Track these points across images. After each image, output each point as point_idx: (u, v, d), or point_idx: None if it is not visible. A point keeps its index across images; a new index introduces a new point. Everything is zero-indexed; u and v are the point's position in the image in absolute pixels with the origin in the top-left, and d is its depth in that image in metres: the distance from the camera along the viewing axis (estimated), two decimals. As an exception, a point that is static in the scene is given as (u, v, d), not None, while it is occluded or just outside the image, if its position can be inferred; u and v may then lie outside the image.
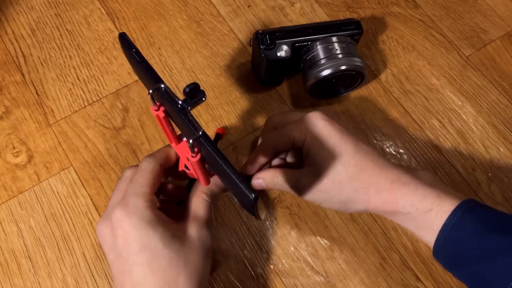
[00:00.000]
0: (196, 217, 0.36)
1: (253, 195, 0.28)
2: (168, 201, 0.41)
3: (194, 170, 0.36)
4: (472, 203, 0.34)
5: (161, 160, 0.37)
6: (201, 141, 0.31)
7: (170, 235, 0.34)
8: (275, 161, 0.44)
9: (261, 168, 0.43)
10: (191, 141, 0.31)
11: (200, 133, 0.30)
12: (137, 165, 0.37)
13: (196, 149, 0.34)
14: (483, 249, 0.32)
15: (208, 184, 0.39)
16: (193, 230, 0.35)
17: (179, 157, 0.38)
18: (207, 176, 0.38)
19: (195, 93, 0.30)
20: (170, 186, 0.41)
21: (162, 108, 0.33)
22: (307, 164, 0.39)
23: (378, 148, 0.50)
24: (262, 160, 0.42)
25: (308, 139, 0.39)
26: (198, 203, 0.37)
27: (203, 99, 0.30)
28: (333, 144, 0.38)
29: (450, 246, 0.34)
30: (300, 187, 0.39)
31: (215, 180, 0.38)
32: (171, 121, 0.35)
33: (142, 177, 0.35)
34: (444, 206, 0.34)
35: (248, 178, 0.45)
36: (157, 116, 0.33)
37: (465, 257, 0.33)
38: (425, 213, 0.35)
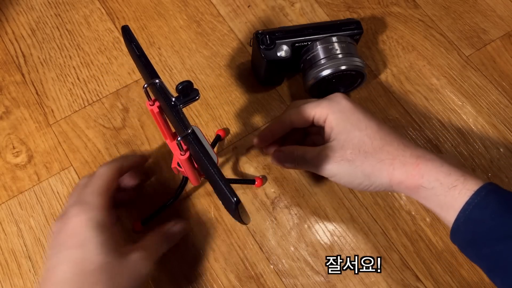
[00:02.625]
0: (144, 246, 0.37)
1: (235, 199, 0.28)
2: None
3: (184, 168, 0.37)
4: (496, 186, 0.34)
5: (116, 169, 0.39)
6: (189, 139, 0.31)
7: (111, 245, 0.34)
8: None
9: (274, 140, 0.44)
10: (179, 138, 0.31)
11: (189, 131, 0.30)
12: (91, 174, 0.39)
13: (185, 147, 0.34)
14: (505, 230, 0.32)
15: (198, 184, 0.39)
16: (135, 253, 0.35)
17: (173, 154, 0.39)
18: (197, 175, 0.39)
19: (188, 91, 0.30)
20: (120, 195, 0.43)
21: (157, 104, 0.33)
22: (329, 139, 0.40)
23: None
24: (277, 131, 0.43)
25: (331, 115, 0.39)
26: (152, 236, 0.39)
27: (196, 98, 0.30)
28: (357, 118, 0.38)
29: (470, 225, 0.34)
30: (322, 158, 0.39)
31: (176, 227, 0.41)
32: (166, 117, 0.35)
33: (99, 180, 0.37)
34: (468, 185, 0.34)
35: (231, 182, 0.46)
36: (152, 111, 0.34)
37: (485, 237, 0.33)
38: (449, 189, 0.34)
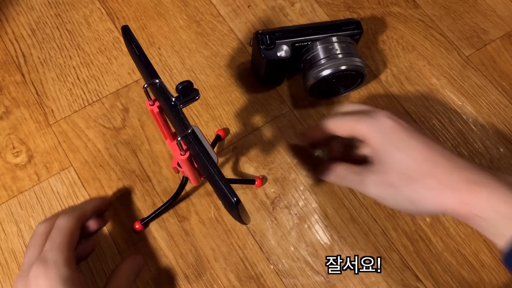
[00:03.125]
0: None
1: (235, 199, 0.28)
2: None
3: (184, 168, 0.37)
4: None
5: (78, 218, 0.38)
6: (189, 139, 0.31)
7: None
8: (334, 145, 0.44)
9: (311, 141, 0.44)
10: (179, 138, 0.31)
11: (189, 131, 0.30)
12: (49, 219, 0.37)
13: (185, 147, 0.34)
14: None
15: (198, 184, 0.39)
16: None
17: (173, 154, 0.39)
18: (197, 175, 0.39)
19: (188, 91, 0.30)
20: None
21: (157, 104, 0.33)
22: (372, 161, 0.38)
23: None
24: (318, 134, 0.42)
25: (371, 135, 0.37)
26: (119, 281, 0.38)
27: (196, 98, 0.30)
28: (400, 138, 0.36)
29: None
30: (366, 181, 0.37)
31: (137, 261, 0.40)
32: (166, 117, 0.35)
33: (60, 235, 0.36)
34: None
35: (231, 182, 0.46)
36: (152, 111, 0.34)
37: None
38: (506, 218, 0.31)
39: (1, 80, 0.51)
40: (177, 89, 0.29)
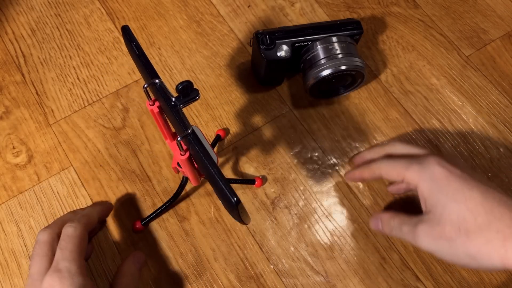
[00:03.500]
0: None
1: (235, 199, 0.28)
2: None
3: (184, 168, 0.37)
4: None
5: (85, 225, 0.38)
6: (189, 139, 0.31)
7: None
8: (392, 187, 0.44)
9: (360, 181, 0.44)
10: (179, 138, 0.31)
11: (189, 131, 0.30)
12: (50, 227, 0.37)
13: (185, 147, 0.34)
14: None
15: (198, 184, 0.39)
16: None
17: (174, 154, 0.39)
18: (197, 175, 0.39)
19: (188, 91, 0.30)
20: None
21: (156, 104, 0.33)
22: (424, 210, 0.36)
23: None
24: (367, 177, 0.41)
25: (422, 183, 0.35)
26: (127, 281, 0.38)
27: (196, 98, 0.30)
28: (455, 189, 0.34)
29: None
30: (418, 233, 0.35)
31: (136, 257, 0.40)
32: (166, 117, 0.35)
33: (71, 243, 0.35)
34: None
35: (231, 182, 0.46)
36: (152, 111, 0.34)
37: None
38: None
39: (1, 80, 0.51)
40: (177, 89, 0.29)
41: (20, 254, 0.44)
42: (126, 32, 0.33)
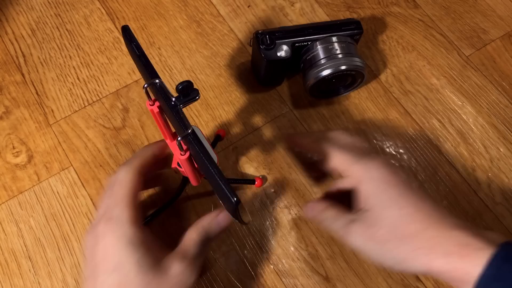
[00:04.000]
0: (184, 251, 0.34)
1: (235, 199, 0.28)
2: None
3: (184, 168, 0.37)
4: (509, 250, 0.30)
5: (139, 168, 0.36)
6: (189, 139, 0.31)
7: (148, 262, 0.32)
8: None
9: (302, 149, 0.42)
10: (179, 138, 0.31)
11: (189, 131, 0.30)
12: (129, 162, 0.36)
13: (185, 147, 0.34)
14: None
15: (198, 184, 0.38)
16: (175, 264, 0.33)
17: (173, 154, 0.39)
18: (198, 176, 0.39)
19: (188, 91, 0.30)
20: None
21: (156, 104, 0.33)
22: (360, 207, 0.36)
23: (379, 149, 0.50)
24: (310, 148, 0.40)
25: (365, 182, 0.36)
26: (192, 235, 0.35)
27: (196, 98, 0.30)
28: (397, 194, 0.34)
29: None
30: (351, 230, 0.35)
31: (218, 219, 0.36)
32: (166, 117, 0.35)
33: (121, 188, 0.34)
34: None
35: (231, 182, 0.46)
36: (152, 111, 0.34)
37: None
38: (496, 281, 0.30)
39: (1, 80, 0.51)
40: (177, 89, 0.29)
41: (20, 254, 0.44)
42: (126, 32, 0.33)
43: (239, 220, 0.32)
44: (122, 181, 0.35)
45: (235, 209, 0.29)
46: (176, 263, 0.33)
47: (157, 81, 0.30)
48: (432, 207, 0.34)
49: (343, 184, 0.39)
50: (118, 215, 0.33)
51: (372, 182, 0.35)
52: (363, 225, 0.35)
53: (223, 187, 0.29)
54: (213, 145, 0.48)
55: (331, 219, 0.38)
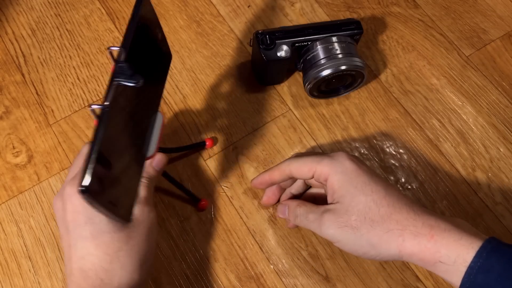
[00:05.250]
0: (144, 200, 0.37)
1: (82, 186, 0.25)
2: None
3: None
4: (496, 243, 0.32)
5: None
6: (102, 111, 0.29)
7: None
8: (285, 195, 0.44)
9: (269, 185, 0.43)
10: (92, 106, 0.29)
11: (107, 103, 0.28)
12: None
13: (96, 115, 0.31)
14: None
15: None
16: (136, 208, 0.35)
17: None
18: None
19: (130, 73, 0.29)
20: None
21: (112, 67, 0.32)
22: (331, 201, 0.38)
23: (379, 149, 0.50)
24: (276, 178, 0.41)
25: (333, 176, 0.37)
26: (145, 186, 0.38)
27: (135, 84, 0.29)
28: (363, 182, 0.36)
29: None
30: (324, 220, 0.37)
31: (152, 163, 0.39)
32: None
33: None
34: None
35: (179, 149, 0.47)
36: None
37: None
38: (465, 262, 0.32)
39: (1, 80, 0.51)
40: (117, 63, 0.29)
41: (20, 254, 0.44)
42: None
43: (105, 213, 0.30)
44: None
45: (84, 197, 0.27)
46: (137, 206, 0.35)
47: (123, 48, 0.29)
48: (398, 194, 0.36)
49: (313, 186, 0.42)
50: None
51: (338, 175, 0.37)
52: (335, 215, 0.36)
53: (86, 166, 0.26)
54: (191, 147, 0.48)
55: (304, 213, 0.39)
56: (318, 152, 0.43)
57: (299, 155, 0.42)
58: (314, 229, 0.38)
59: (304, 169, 0.39)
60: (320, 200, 0.41)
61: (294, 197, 0.44)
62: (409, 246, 0.33)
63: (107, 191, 0.29)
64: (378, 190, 0.35)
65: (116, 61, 0.30)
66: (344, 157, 0.38)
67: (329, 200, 0.38)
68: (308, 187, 0.44)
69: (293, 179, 0.43)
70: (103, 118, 0.28)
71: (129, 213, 0.32)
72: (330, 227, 0.36)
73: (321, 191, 0.43)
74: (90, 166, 0.26)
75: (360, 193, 0.36)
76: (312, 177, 0.39)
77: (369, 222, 0.35)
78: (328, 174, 0.37)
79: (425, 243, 0.33)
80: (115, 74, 0.29)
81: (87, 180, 0.26)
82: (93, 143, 0.27)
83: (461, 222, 0.35)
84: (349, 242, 0.36)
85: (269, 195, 0.45)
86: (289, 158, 0.42)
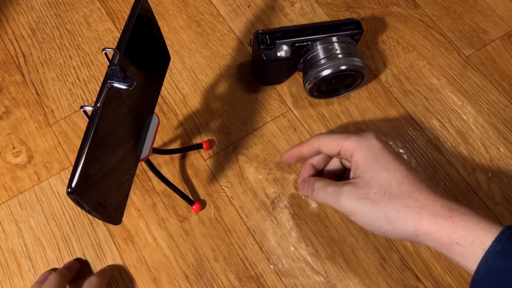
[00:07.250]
0: None
1: (69, 189, 0.26)
2: None
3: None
4: None
5: (66, 277, 0.41)
6: (93, 112, 0.29)
7: None
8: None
9: (298, 159, 0.43)
10: (84, 107, 0.30)
11: (98, 105, 0.29)
12: (52, 270, 0.40)
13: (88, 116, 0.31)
14: None
15: None
16: None
17: None
18: None
19: (122, 75, 0.29)
20: None
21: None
22: (352, 176, 0.38)
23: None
24: (305, 151, 0.42)
25: (358, 151, 0.37)
26: None
27: (128, 86, 0.29)
28: (387, 159, 0.36)
29: (494, 276, 0.31)
30: (343, 191, 0.37)
31: None
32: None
33: None
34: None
35: (177, 151, 0.47)
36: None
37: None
38: (483, 245, 0.31)
39: (1, 80, 0.51)
40: (110, 66, 0.29)
41: (20, 254, 0.44)
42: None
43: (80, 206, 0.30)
44: (52, 285, 0.40)
45: (72, 197, 0.27)
46: None
47: (118, 51, 0.30)
48: (421, 176, 0.36)
49: (338, 162, 0.43)
50: None
51: (363, 151, 0.37)
52: (355, 187, 0.36)
53: (74, 170, 0.27)
54: (189, 149, 0.48)
55: (323, 186, 0.39)
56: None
57: (327, 134, 0.43)
58: (331, 202, 0.38)
59: (332, 144, 0.40)
60: (337, 179, 0.42)
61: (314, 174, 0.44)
62: (426, 224, 0.33)
63: (96, 193, 0.29)
64: (401, 169, 0.36)
65: (110, 63, 0.30)
66: (371, 136, 0.38)
67: (351, 175, 0.38)
68: (327, 163, 0.45)
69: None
70: (93, 119, 0.29)
71: (120, 215, 0.32)
72: (349, 198, 0.36)
73: (339, 168, 0.44)
74: (77, 167, 0.26)
75: (383, 169, 0.36)
76: (339, 153, 0.40)
77: (388, 197, 0.34)
78: (354, 150, 0.38)
79: (442, 222, 0.32)
80: (107, 76, 0.29)
81: (73, 182, 0.26)
82: (82, 144, 0.28)
83: (480, 210, 0.35)
84: (366, 214, 0.35)
85: (290, 155, 0.44)
86: (318, 134, 0.43)
